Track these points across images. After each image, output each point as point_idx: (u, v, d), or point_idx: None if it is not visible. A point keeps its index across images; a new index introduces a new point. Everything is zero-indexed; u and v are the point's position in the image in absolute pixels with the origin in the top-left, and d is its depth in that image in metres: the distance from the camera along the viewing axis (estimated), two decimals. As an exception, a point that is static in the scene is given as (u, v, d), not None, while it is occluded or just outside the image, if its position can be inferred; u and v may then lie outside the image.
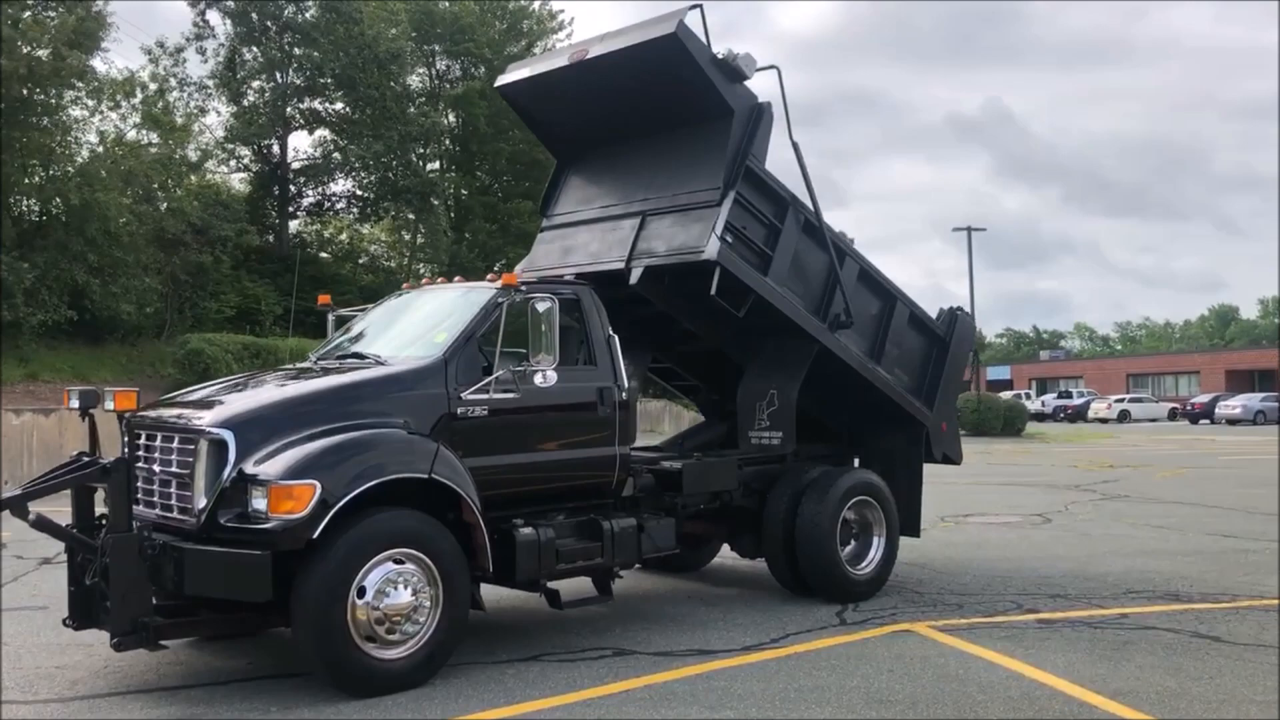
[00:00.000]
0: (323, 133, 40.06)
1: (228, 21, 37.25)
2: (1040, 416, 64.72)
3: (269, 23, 37.14)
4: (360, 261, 45.09)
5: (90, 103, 29.12)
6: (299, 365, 7.98)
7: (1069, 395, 72.42)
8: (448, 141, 45.75)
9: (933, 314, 10.06)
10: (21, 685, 6.63)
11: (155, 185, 31.09)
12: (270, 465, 6.09)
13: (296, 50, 37.36)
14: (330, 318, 8.72)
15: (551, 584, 7.36)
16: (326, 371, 7.19)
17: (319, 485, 6.01)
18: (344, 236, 44.49)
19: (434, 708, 6.08)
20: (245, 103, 37.70)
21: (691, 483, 8.40)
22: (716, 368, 9.90)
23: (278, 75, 38.01)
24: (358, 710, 6.03)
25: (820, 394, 9.65)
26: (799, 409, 9.67)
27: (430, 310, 7.74)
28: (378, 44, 36.96)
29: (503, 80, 9.54)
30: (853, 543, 9.18)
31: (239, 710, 6.10)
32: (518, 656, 7.19)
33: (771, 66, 8.50)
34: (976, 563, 10.78)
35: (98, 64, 28.29)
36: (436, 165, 46.01)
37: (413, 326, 7.64)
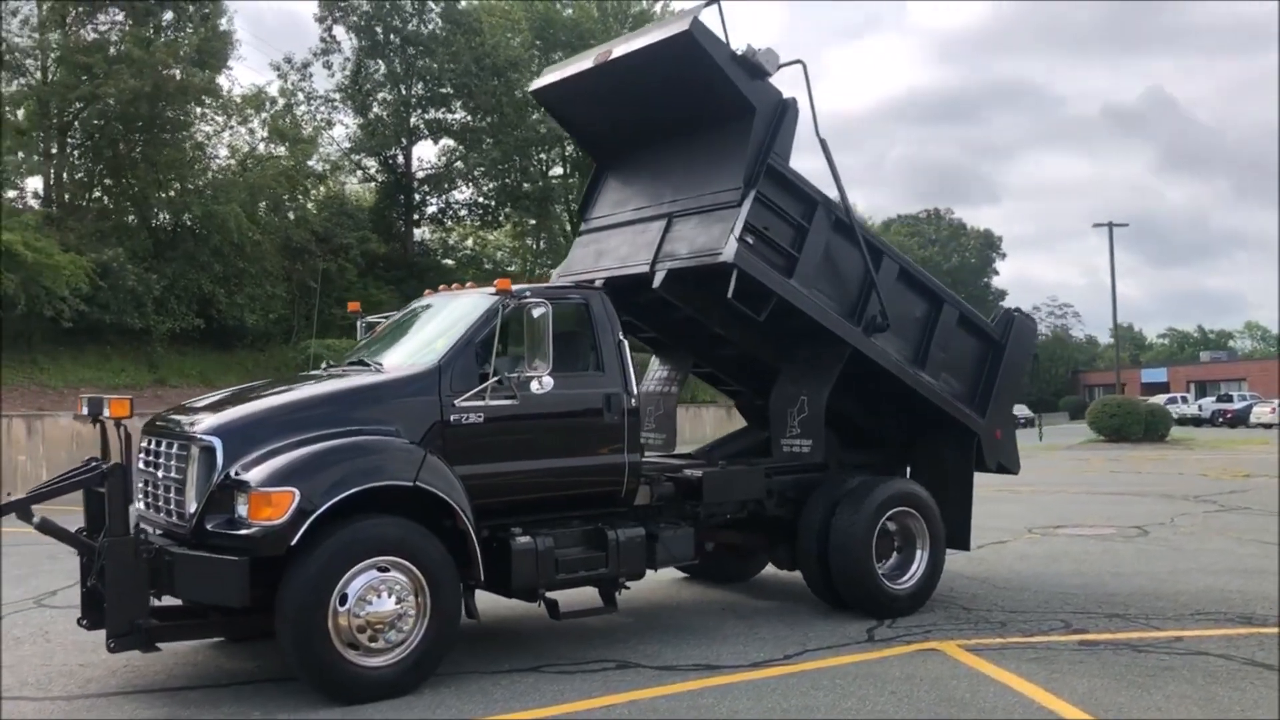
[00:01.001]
0: (447, 141, 40.96)
1: (353, 36, 38.44)
2: (1197, 421, 61.46)
3: (393, 36, 38.18)
4: (486, 267, 45.95)
5: (219, 118, 30.47)
6: (312, 372, 8.08)
7: (1228, 399, 68.44)
8: (570, 147, 46.26)
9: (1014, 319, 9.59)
10: (41, 682, 6.89)
11: (285, 196, 32.34)
12: (253, 472, 6.16)
13: (419, 62, 38.30)
14: (360, 324, 8.82)
15: (557, 594, 7.28)
16: (328, 379, 7.25)
17: (298, 492, 6.05)
18: (469, 242, 45.42)
19: (410, 715, 6.06)
20: (371, 114, 38.82)
21: (712, 492, 8.18)
22: (757, 372, 9.63)
23: (401, 87, 39.04)
24: (336, 717, 6.06)
25: (866, 400, 9.34)
26: (846, 415, 9.41)
27: (440, 317, 7.72)
28: (497, 53, 37.60)
29: (536, 84, 9.51)
30: (895, 555, 8.82)
31: (225, 713, 6.20)
32: (521, 666, 7.11)
33: (796, 61, 8.23)
34: (1044, 578, 10.21)
35: (223, 80, 29.56)
36: (560, 170, 46.62)
37: (423, 333, 7.63)
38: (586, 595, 7.70)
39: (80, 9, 27.27)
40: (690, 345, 9.73)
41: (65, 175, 28.15)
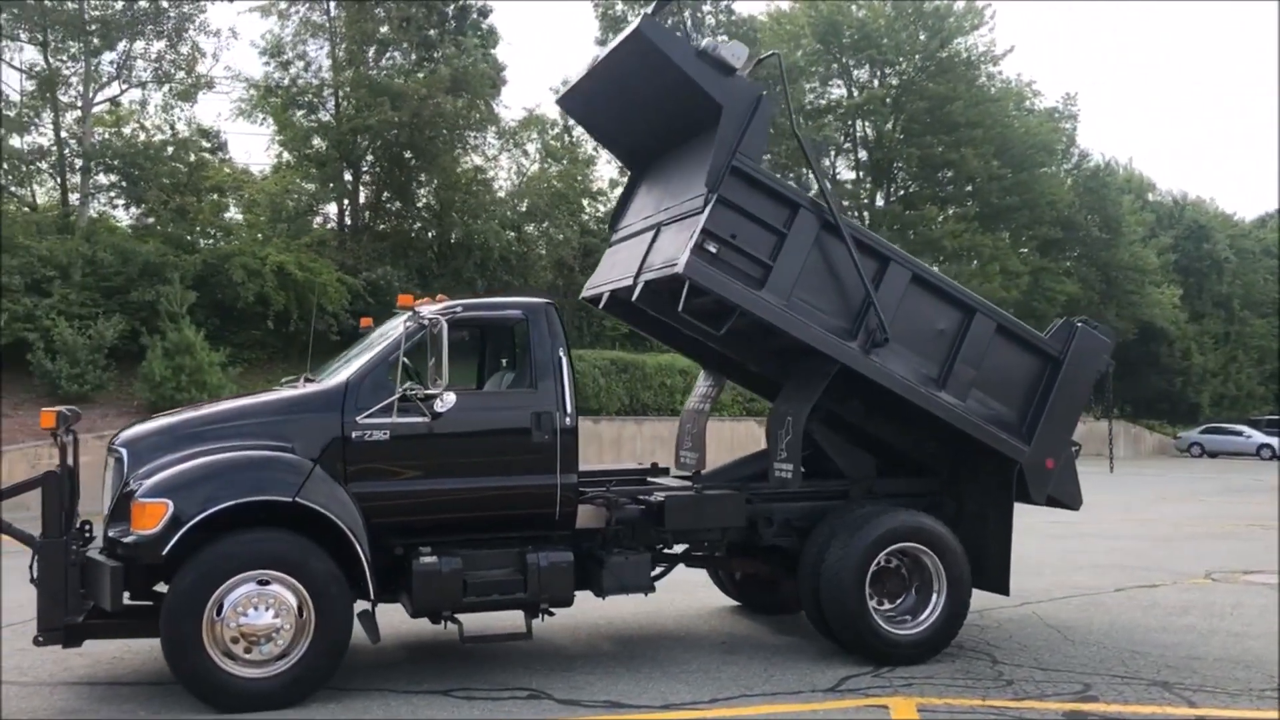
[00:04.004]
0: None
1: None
2: None
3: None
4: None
5: (495, 142, 32.33)
6: (273, 387, 8.36)
7: None
8: (863, 152, 45.22)
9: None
10: (28, 666, 7.51)
11: (564, 214, 33.73)
12: (142, 483, 6.47)
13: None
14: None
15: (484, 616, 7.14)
16: (250, 395, 7.49)
17: (171, 504, 6.29)
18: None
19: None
20: (650, 130, 39.74)
21: (676, 518, 7.66)
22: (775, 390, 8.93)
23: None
24: (209, 723, 6.26)
25: (900, 423, 8.44)
26: (883, 439, 8.61)
27: (378, 333, 7.77)
28: (770, 61, 37.27)
29: (559, 95, 9.38)
30: (913, 596, 7.91)
31: (125, 710, 6.55)
32: (434, 689, 6.98)
33: (771, 54, 7.61)
34: (1139, 631, 8.75)
35: (499, 107, 31.30)
36: (851, 175, 45.68)
37: (361, 351, 7.67)
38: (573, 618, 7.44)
39: (373, 49, 29.94)
40: (708, 360, 9.22)
41: (358, 201, 30.87)
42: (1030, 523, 12.56)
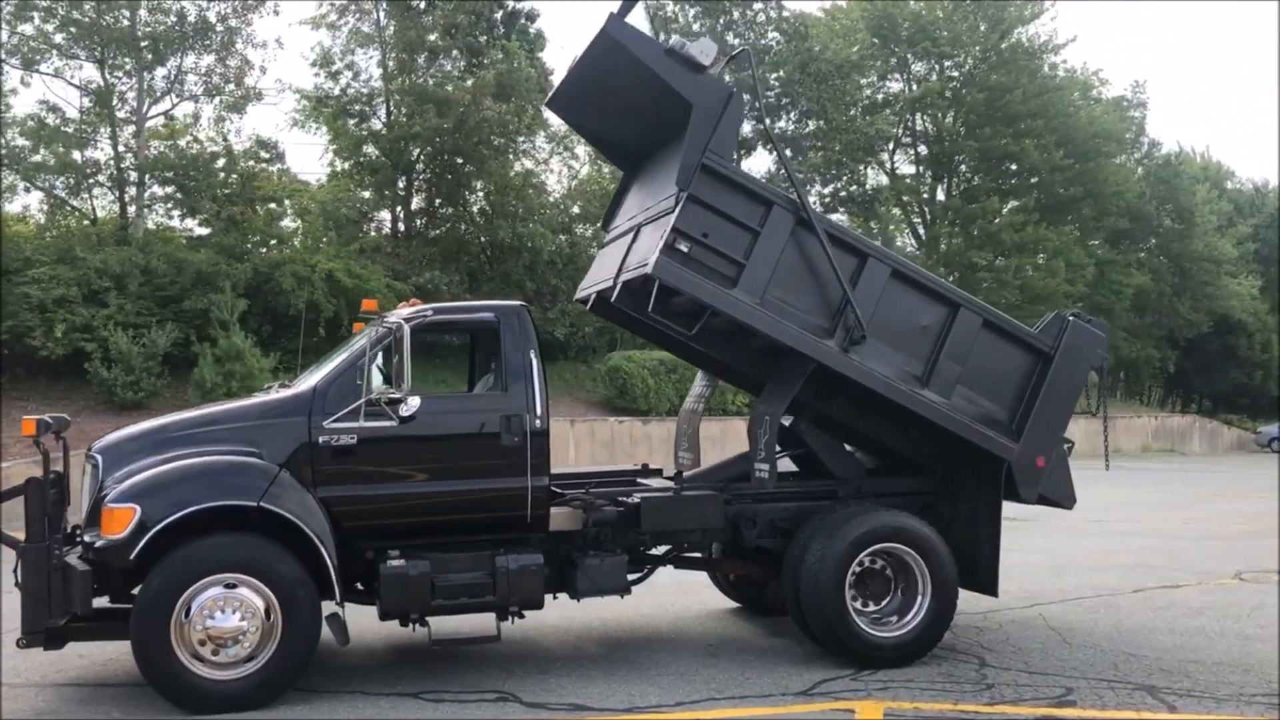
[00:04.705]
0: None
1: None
2: None
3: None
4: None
5: (546, 145, 32.50)
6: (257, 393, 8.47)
7: None
8: (923, 146, 44.52)
9: None
10: (24, 668, 7.69)
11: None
12: (114, 489, 6.61)
13: (742, 73, 38.48)
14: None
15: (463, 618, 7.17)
16: (231, 400, 7.60)
17: (138, 509, 6.42)
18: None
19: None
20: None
21: (652, 519, 7.61)
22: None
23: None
24: (176, 723, 6.38)
25: (885, 421, 8.31)
26: (879, 439, 8.49)
27: (355, 337, 7.84)
28: (823, 58, 36.95)
29: (547, 98, 9.38)
30: (899, 597, 7.77)
31: (101, 711, 6.70)
32: (401, 691, 7.03)
33: (741, 51, 7.52)
34: (1143, 633, 8.48)
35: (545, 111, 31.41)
36: (911, 169, 45.05)
37: (337, 355, 7.74)
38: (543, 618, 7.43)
39: (423, 56, 30.29)
40: (699, 360, 9.15)
41: (409, 207, 31.28)
42: (1065, 523, 12.31)
